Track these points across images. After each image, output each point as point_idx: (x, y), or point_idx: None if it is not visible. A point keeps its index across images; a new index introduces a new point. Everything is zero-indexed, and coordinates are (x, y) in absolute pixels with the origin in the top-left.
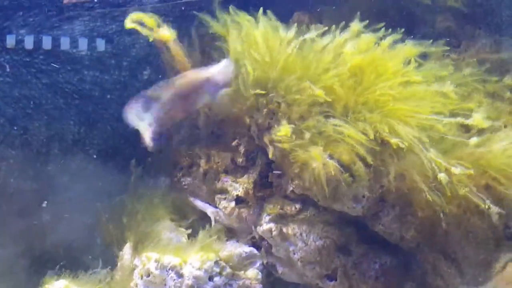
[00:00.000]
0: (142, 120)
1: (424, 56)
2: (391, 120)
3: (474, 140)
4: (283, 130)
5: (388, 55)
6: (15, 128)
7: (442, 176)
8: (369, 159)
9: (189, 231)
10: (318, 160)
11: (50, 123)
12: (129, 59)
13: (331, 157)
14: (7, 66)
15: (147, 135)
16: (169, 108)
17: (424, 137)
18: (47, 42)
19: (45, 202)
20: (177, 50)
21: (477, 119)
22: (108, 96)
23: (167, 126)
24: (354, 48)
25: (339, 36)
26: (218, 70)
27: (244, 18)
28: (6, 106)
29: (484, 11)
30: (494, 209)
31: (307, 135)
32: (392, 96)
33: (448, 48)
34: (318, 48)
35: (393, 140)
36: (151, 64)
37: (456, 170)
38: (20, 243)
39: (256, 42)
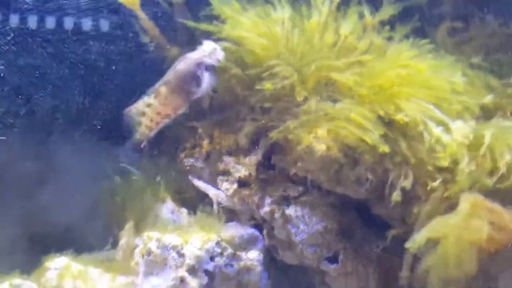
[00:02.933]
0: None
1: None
2: (396, 100)
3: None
4: None
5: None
6: None
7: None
8: (373, 142)
9: (191, 211)
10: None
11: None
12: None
13: (335, 139)
14: None
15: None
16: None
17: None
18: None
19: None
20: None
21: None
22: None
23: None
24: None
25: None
26: (204, 53)
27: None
28: None
29: None
30: None
31: (312, 117)
32: (398, 83)
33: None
34: (313, 26)
35: (398, 116)
36: None
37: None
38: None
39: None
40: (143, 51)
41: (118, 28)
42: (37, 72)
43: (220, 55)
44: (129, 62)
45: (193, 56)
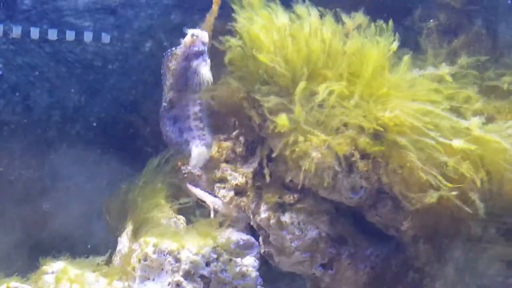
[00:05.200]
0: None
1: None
2: (389, 105)
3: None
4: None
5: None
6: None
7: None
8: (368, 150)
9: (188, 218)
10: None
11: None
12: None
13: (329, 147)
14: None
15: None
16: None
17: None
18: None
19: None
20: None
21: (474, 123)
22: None
23: None
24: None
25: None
26: (187, 43)
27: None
28: None
29: None
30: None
31: (307, 124)
32: (388, 85)
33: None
34: (305, 34)
35: (388, 115)
36: None
37: (457, 142)
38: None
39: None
40: None
41: None
42: None
43: (204, 37)
44: None
45: (178, 52)
